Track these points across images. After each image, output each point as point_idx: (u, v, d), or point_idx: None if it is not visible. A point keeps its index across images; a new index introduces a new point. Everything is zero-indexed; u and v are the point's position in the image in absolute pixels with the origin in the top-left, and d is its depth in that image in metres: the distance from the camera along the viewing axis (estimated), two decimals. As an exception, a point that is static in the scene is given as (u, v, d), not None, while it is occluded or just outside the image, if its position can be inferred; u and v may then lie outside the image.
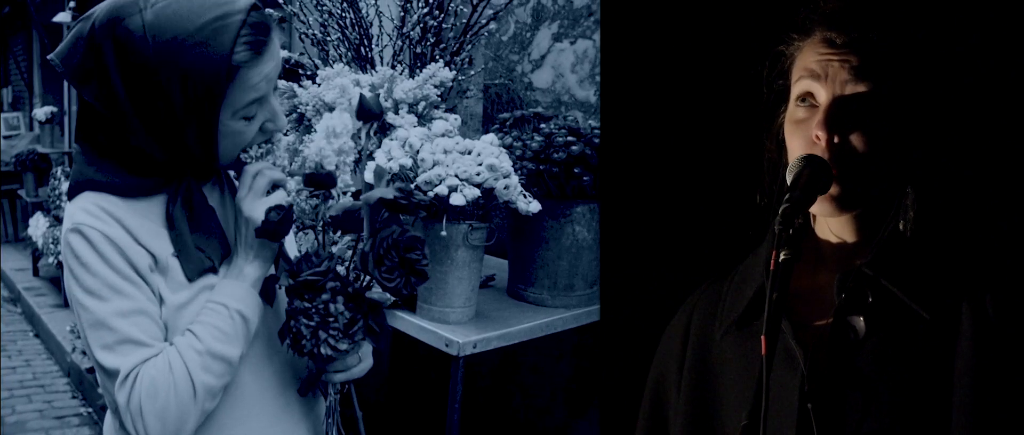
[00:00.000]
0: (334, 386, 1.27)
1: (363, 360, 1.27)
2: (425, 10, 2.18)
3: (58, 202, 6.76)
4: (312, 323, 1.13)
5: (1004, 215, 1.04)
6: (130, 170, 1.14)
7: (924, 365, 0.94)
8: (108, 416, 1.25)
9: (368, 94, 1.27)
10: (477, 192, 1.73)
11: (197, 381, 1.10)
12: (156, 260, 1.14)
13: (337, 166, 1.16)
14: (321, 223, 1.18)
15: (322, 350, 1.14)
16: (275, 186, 1.18)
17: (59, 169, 7.35)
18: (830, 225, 1.05)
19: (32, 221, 6.85)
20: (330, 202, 1.16)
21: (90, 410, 4.51)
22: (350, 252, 1.17)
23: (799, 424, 0.97)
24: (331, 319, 1.13)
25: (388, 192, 1.11)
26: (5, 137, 9.39)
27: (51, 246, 6.12)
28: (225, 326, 1.13)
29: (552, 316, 1.95)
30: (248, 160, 1.18)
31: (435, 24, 2.19)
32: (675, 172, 1.32)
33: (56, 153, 8.55)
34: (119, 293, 1.10)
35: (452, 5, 2.21)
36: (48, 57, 1.17)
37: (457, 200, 1.70)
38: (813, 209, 1.00)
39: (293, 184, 1.19)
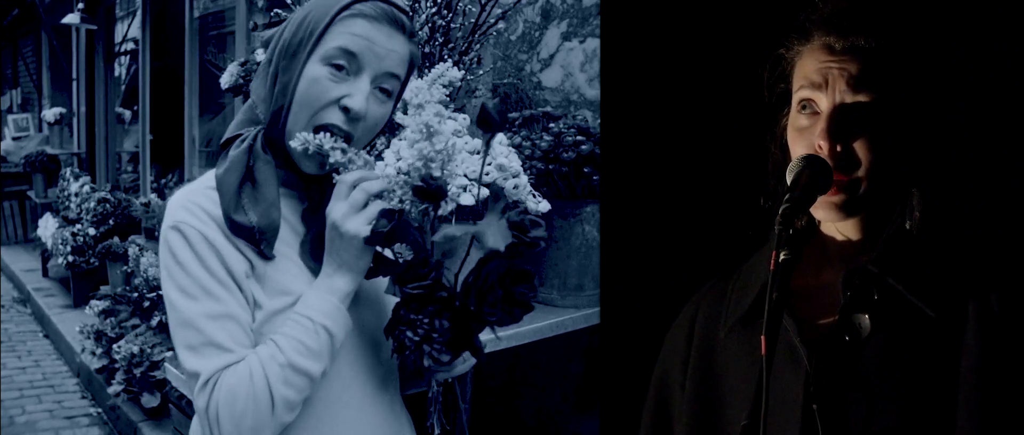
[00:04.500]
0: (436, 379, 1.28)
1: (466, 360, 1.26)
2: (433, 9, 2.18)
3: (67, 203, 6.80)
4: (416, 337, 1.11)
5: (1008, 214, 1.04)
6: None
7: (929, 363, 0.94)
8: (195, 419, 1.25)
9: (491, 102, 1.22)
10: (486, 192, 1.72)
11: (276, 394, 1.08)
12: (252, 266, 1.13)
13: (443, 171, 1.10)
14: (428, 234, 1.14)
15: (425, 362, 1.12)
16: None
17: (68, 170, 7.39)
18: (836, 223, 1.04)
19: (41, 222, 6.87)
20: (439, 212, 1.13)
21: (99, 410, 4.52)
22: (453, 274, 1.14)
23: (803, 422, 0.97)
24: (436, 334, 1.11)
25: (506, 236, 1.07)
26: (14, 138, 9.43)
27: (60, 247, 6.14)
28: (309, 340, 1.10)
29: (562, 316, 1.95)
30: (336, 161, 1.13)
31: (443, 24, 2.18)
32: (677, 171, 1.32)
33: (65, 154, 8.58)
34: (210, 295, 1.09)
35: (460, 4, 2.20)
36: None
37: (466, 200, 1.70)
38: (817, 214, 1.00)
39: (400, 190, 1.12)
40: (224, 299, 1.09)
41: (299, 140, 1.09)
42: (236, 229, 1.11)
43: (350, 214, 1.09)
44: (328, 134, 1.10)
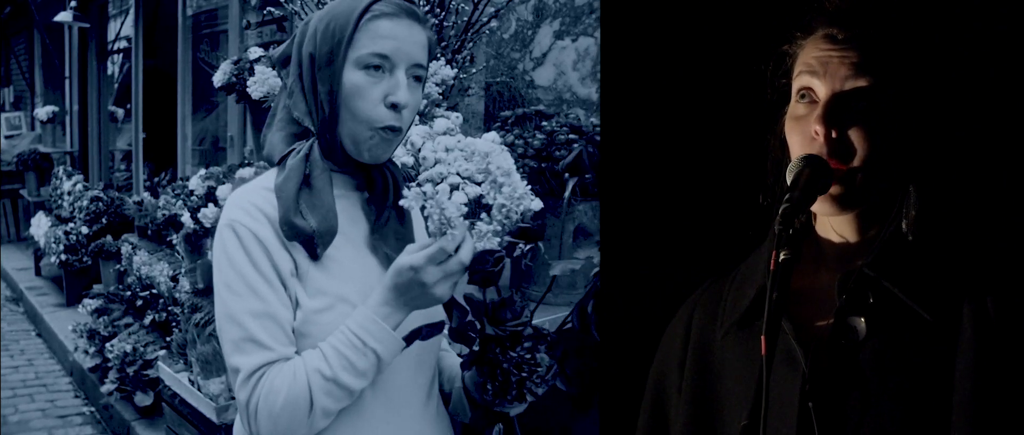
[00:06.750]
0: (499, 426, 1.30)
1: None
2: (426, 8, 2.18)
3: (60, 201, 6.78)
4: (524, 375, 1.14)
5: (1005, 215, 1.04)
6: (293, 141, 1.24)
7: (925, 366, 0.94)
8: (237, 418, 1.29)
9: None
10: (479, 190, 1.73)
11: (316, 403, 1.13)
12: (297, 266, 1.17)
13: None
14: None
15: (528, 398, 1.15)
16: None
17: (61, 168, 7.36)
18: (832, 224, 1.04)
19: (34, 221, 6.85)
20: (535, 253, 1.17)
21: (92, 409, 4.51)
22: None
23: (800, 424, 0.96)
24: (539, 368, 1.14)
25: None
26: (7, 137, 9.40)
27: (53, 245, 6.12)
28: (357, 361, 1.14)
29: (554, 314, 1.95)
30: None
31: (436, 22, 2.18)
32: (676, 170, 1.32)
33: (58, 152, 8.55)
34: (255, 293, 1.14)
35: (453, 3, 2.21)
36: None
37: (459, 198, 1.70)
38: (814, 208, 1.00)
39: (491, 230, 1.17)
40: (268, 298, 1.14)
41: (411, 198, 1.17)
42: (295, 232, 1.16)
43: (443, 282, 1.13)
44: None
